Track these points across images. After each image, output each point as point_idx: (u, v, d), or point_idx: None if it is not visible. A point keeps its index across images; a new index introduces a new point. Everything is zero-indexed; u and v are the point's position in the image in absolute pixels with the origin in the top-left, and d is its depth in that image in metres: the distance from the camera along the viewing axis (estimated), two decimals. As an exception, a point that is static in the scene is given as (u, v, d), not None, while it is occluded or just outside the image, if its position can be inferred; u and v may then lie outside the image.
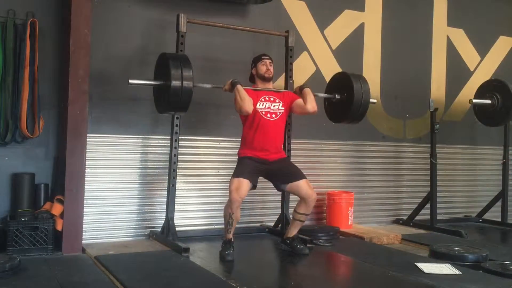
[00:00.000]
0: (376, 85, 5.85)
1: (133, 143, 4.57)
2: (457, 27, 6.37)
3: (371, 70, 5.80)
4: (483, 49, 6.55)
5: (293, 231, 4.14)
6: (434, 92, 6.18)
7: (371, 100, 4.56)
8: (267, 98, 4.02)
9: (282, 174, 4.01)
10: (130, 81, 3.84)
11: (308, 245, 4.31)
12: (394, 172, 5.93)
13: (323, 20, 5.51)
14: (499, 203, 5.81)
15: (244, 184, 3.77)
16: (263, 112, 3.97)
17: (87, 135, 4.10)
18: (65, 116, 4.06)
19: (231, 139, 4.80)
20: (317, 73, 5.47)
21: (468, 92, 6.42)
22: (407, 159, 6.03)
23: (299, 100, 4.12)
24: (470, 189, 6.40)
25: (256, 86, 4.13)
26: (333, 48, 5.58)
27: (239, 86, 3.90)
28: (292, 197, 4.78)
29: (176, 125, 4.29)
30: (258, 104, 3.97)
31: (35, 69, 4.07)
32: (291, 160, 4.62)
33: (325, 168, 5.52)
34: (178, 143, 4.31)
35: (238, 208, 3.80)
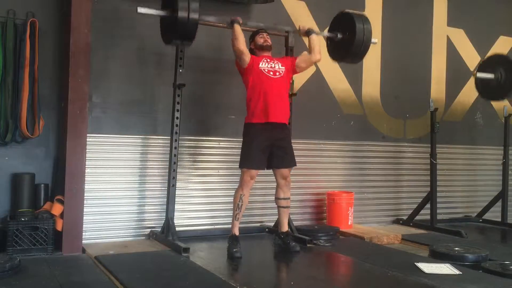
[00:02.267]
0: (376, 85, 5.85)
1: (133, 143, 4.57)
2: (457, 27, 6.37)
3: (371, 70, 5.80)
4: (483, 49, 6.54)
5: (284, 222, 4.26)
6: (434, 92, 6.18)
7: (373, 40, 4.55)
8: (268, 60, 4.14)
9: (278, 155, 4.08)
10: (139, 9, 3.88)
11: (308, 245, 4.32)
12: (394, 172, 5.93)
13: (323, 20, 5.50)
14: (499, 203, 5.81)
15: (253, 171, 3.97)
16: (266, 70, 4.08)
17: (87, 135, 4.10)
18: (65, 116, 4.06)
19: (231, 139, 4.80)
20: (317, 73, 5.47)
21: (468, 92, 6.44)
22: (407, 159, 6.03)
23: (301, 57, 4.27)
24: (470, 189, 6.41)
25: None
26: (333, 48, 5.58)
27: (236, 25, 4.05)
28: (292, 197, 4.78)
29: (176, 125, 4.29)
30: (261, 63, 4.09)
31: (35, 69, 4.08)
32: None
33: (325, 168, 5.52)
34: (178, 143, 4.31)
35: (249, 190, 3.99)
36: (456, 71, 6.37)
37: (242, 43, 4.03)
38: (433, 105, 5.44)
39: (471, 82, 6.45)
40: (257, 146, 3.99)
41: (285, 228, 4.25)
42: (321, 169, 5.50)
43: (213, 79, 4.86)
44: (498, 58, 5.55)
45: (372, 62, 5.81)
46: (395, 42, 5.94)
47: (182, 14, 3.77)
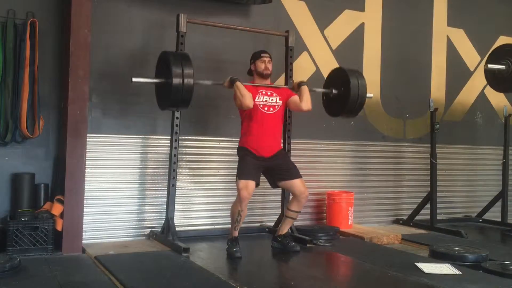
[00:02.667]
0: (376, 85, 5.85)
1: (133, 143, 4.57)
2: (457, 27, 6.37)
3: (371, 70, 5.80)
4: (483, 49, 6.54)
5: (284, 229, 4.23)
6: (434, 92, 6.18)
7: (368, 94, 4.54)
8: (264, 92, 4.08)
9: (278, 171, 4.07)
10: (134, 79, 3.86)
11: (308, 245, 4.32)
12: (394, 172, 5.93)
13: (323, 20, 5.51)
14: (499, 203, 5.81)
15: (251, 183, 3.88)
16: (261, 105, 4.02)
17: (87, 135, 4.10)
18: (65, 116, 4.06)
19: (231, 139, 4.79)
20: (317, 73, 5.47)
21: (468, 92, 6.44)
22: (407, 159, 6.03)
23: (295, 97, 4.16)
24: (470, 189, 6.40)
25: (254, 82, 4.18)
26: (333, 48, 5.58)
27: (238, 83, 3.95)
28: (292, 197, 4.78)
29: (176, 125, 4.29)
30: (257, 97, 4.03)
31: (35, 69, 4.07)
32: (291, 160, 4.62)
33: (325, 168, 5.52)
34: (178, 143, 4.31)
35: (246, 205, 3.91)
36: (456, 71, 6.36)
37: (250, 100, 3.90)
38: (433, 105, 5.45)
39: (471, 82, 6.46)
40: (251, 161, 3.96)
41: (283, 232, 4.24)
42: (321, 169, 5.49)
43: (214, 78, 4.84)
44: (508, 48, 5.37)
45: (372, 62, 5.81)
46: (395, 42, 5.94)
47: (176, 81, 3.72)
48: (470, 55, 6.47)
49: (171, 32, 4.35)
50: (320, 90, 4.64)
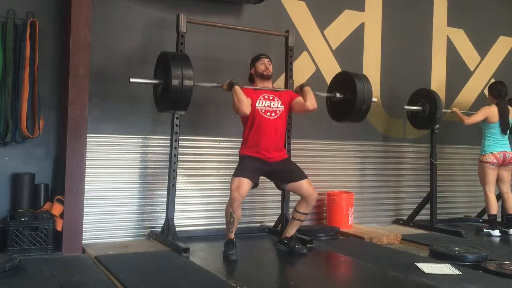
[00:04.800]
0: (376, 85, 5.85)
1: (133, 143, 4.57)
2: (457, 27, 6.37)
3: (371, 70, 5.80)
4: (483, 49, 6.55)
5: (291, 231, 4.16)
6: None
7: (373, 99, 4.55)
8: (266, 97, 4.01)
9: (283, 173, 4.02)
10: (131, 79, 3.86)
11: (308, 245, 4.31)
12: (394, 172, 5.93)
13: (323, 20, 5.51)
14: (499, 203, 5.80)
15: (245, 183, 3.79)
16: (263, 111, 3.96)
17: (87, 135, 4.10)
18: (65, 116, 4.06)
19: (231, 139, 4.80)
20: (317, 73, 5.47)
21: (468, 92, 6.44)
22: (407, 159, 6.03)
23: (299, 98, 4.12)
24: (470, 189, 6.40)
25: (256, 85, 4.13)
26: (333, 48, 5.58)
27: (236, 87, 3.90)
28: (292, 197, 4.78)
29: (176, 125, 4.29)
30: (258, 102, 3.97)
31: (35, 69, 4.07)
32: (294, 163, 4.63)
33: (325, 168, 5.52)
34: (178, 143, 4.31)
35: (239, 207, 3.82)
36: (456, 71, 6.37)
37: (247, 107, 3.86)
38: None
39: (471, 82, 6.47)
40: (251, 163, 3.89)
41: (290, 234, 4.15)
42: (321, 169, 5.49)
43: (213, 79, 4.84)
44: (423, 93, 5.62)
45: (372, 62, 5.81)
46: (395, 42, 5.94)
47: (175, 82, 3.70)
48: (470, 55, 6.47)
49: (171, 32, 4.35)
50: (325, 94, 4.64)
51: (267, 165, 3.95)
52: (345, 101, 4.53)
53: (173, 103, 3.84)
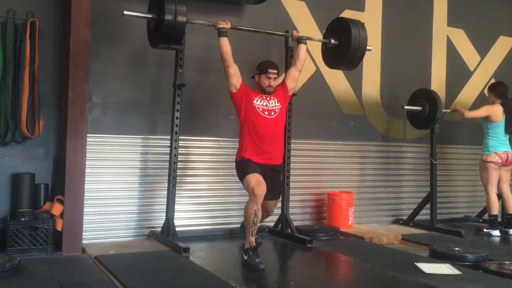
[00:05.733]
0: (376, 85, 5.86)
1: (133, 143, 4.57)
2: (457, 27, 6.37)
3: (371, 70, 5.80)
4: (483, 49, 6.55)
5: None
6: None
7: (368, 47, 4.51)
8: (264, 97, 3.97)
9: (269, 188, 3.81)
10: (125, 12, 3.82)
11: (308, 245, 4.31)
12: (394, 172, 5.94)
13: (323, 20, 5.50)
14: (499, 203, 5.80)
15: (262, 178, 3.70)
16: (260, 109, 3.91)
17: (87, 135, 4.10)
18: (65, 116, 4.06)
19: (231, 139, 4.79)
20: (317, 73, 5.47)
21: (468, 92, 6.44)
22: (407, 159, 6.03)
23: (289, 76, 4.13)
24: (470, 189, 6.41)
25: (255, 90, 4.07)
26: (333, 48, 5.58)
27: (222, 39, 3.94)
28: (292, 197, 4.79)
29: (176, 125, 4.29)
30: (256, 99, 3.93)
31: (35, 69, 4.07)
32: (290, 161, 4.64)
33: (325, 168, 5.52)
34: (178, 143, 4.31)
35: (261, 202, 3.65)
36: (456, 71, 6.37)
37: (226, 54, 3.91)
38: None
39: (471, 82, 6.47)
40: (255, 164, 3.81)
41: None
42: (321, 169, 5.49)
43: (213, 79, 4.85)
44: (422, 92, 5.64)
45: (372, 62, 5.81)
46: (395, 42, 5.94)
47: (169, 17, 3.69)
48: (470, 55, 6.48)
49: (171, 32, 4.34)
50: (319, 40, 4.60)
51: (266, 171, 3.86)
52: (339, 47, 4.50)
53: (166, 38, 3.83)
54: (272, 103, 3.97)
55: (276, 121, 3.96)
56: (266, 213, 4.09)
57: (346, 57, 4.43)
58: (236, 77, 3.92)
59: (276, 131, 3.97)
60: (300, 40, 4.22)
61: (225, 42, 3.95)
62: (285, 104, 4.09)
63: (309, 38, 4.35)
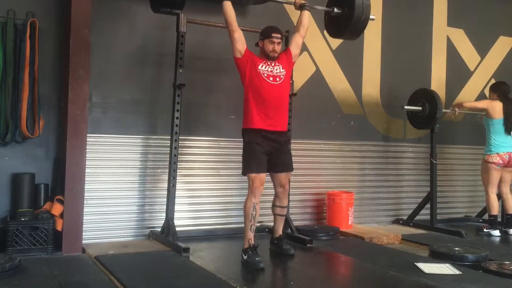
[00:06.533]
0: (376, 85, 5.85)
1: (133, 143, 4.57)
2: (457, 27, 6.37)
3: (371, 70, 5.80)
4: (483, 49, 6.55)
5: (278, 229, 4.10)
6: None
7: (371, 16, 4.44)
8: (269, 63, 3.91)
9: (277, 161, 3.90)
10: None
11: (308, 245, 4.31)
12: (394, 172, 5.94)
13: (323, 20, 5.49)
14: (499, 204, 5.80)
15: (262, 176, 3.76)
16: (265, 75, 3.84)
17: (87, 135, 4.10)
18: (65, 116, 4.06)
19: (231, 139, 4.80)
20: (317, 73, 5.47)
21: (468, 92, 6.44)
22: (407, 159, 6.03)
23: (293, 42, 4.08)
24: (470, 189, 6.41)
25: (259, 56, 4.01)
26: (333, 48, 5.58)
27: (225, 2, 3.85)
28: (292, 197, 4.78)
29: (176, 125, 4.29)
30: (261, 65, 3.86)
31: (35, 69, 4.08)
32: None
33: (325, 168, 5.52)
34: (178, 143, 4.31)
35: (260, 197, 3.73)
36: (456, 71, 6.37)
37: (230, 17, 3.81)
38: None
39: (471, 82, 6.47)
40: (260, 149, 3.80)
41: (278, 233, 4.11)
42: (321, 169, 5.50)
43: (213, 79, 4.85)
44: (423, 92, 5.65)
45: (372, 62, 5.81)
46: (395, 42, 5.94)
47: None
48: (470, 55, 6.48)
49: (171, 32, 4.35)
50: (322, 8, 4.54)
51: (271, 140, 3.83)
52: (342, 16, 4.43)
53: (168, 1, 3.81)
54: (277, 69, 3.91)
55: (281, 87, 3.90)
56: (282, 188, 3.99)
57: (348, 26, 4.37)
58: (241, 42, 3.86)
59: (281, 97, 3.91)
60: (303, 6, 4.16)
61: (228, 6, 3.87)
62: (289, 71, 4.04)
63: (312, 7, 4.31)
